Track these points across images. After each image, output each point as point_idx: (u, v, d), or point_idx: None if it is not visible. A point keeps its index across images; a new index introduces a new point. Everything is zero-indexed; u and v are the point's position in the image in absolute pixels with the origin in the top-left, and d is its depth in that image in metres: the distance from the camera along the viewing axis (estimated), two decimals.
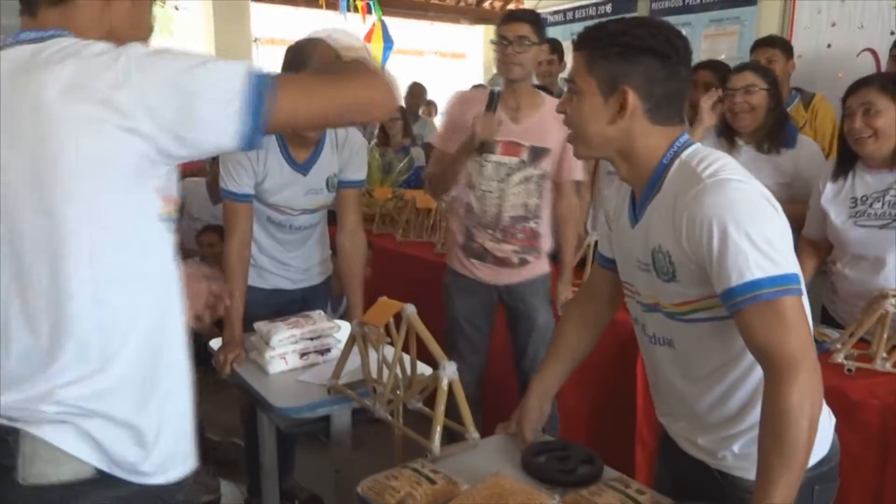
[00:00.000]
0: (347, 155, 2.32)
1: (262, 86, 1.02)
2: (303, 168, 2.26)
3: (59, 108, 0.97)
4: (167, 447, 1.13)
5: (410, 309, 1.63)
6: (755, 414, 1.18)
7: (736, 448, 1.28)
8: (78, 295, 1.02)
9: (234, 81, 1.01)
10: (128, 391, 1.08)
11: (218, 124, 1.02)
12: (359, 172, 2.36)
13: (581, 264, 2.88)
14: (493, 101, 2.30)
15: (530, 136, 2.43)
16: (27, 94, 0.98)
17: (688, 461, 1.37)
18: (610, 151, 1.27)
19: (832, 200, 2.25)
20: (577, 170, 2.55)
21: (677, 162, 1.23)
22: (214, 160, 4.38)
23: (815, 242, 2.38)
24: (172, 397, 1.14)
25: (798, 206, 2.38)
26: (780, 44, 3.24)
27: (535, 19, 2.40)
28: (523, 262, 2.51)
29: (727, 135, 2.66)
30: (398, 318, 1.69)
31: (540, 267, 2.57)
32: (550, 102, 2.46)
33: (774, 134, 2.58)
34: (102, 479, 1.06)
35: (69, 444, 1.04)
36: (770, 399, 1.10)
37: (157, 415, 1.11)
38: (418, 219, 3.79)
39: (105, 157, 0.99)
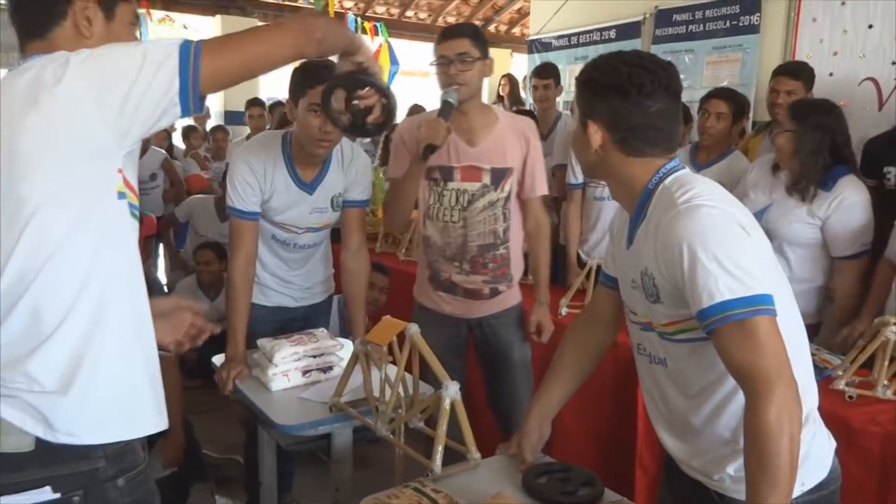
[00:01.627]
0: (353, 175, 2.34)
1: (187, 50, 1.13)
2: (309, 187, 2.28)
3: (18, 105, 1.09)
4: (99, 408, 1.17)
5: (414, 328, 1.64)
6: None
7: (731, 470, 1.29)
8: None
9: (167, 51, 1.12)
10: (64, 359, 1.14)
11: (157, 91, 1.12)
12: (364, 192, 2.38)
13: (583, 287, 2.90)
14: (444, 108, 2.12)
15: (489, 158, 2.24)
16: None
17: (689, 483, 1.38)
18: (599, 175, 1.39)
19: None
20: (542, 185, 2.34)
21: (660, 188, 1.28)
22: (224, 177, 4.44)
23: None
24: (106, 361, 1.17)
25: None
26: (805, 76, 3.10)
27: (474, 33, 2.20)
28: (494, 293, 2.33)
29: (776, 167, 2.57)
30: (401, 337, 1.70)
31: (512, 297, 2.39)
32: (504, 118, 2.32)
33: (804, 179, 2.42)
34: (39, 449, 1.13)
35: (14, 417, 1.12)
36: (749, 418, 1.13)
37: (89, 378, 1.15)
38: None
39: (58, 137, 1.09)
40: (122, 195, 1.18)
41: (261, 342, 2.09)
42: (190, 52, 1.13)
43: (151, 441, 2.59)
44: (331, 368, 2.08)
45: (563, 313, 2.83)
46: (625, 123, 1.27)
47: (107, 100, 1.10)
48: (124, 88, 1.10)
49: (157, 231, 4.69)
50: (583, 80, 1.32)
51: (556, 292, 3.08)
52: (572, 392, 1.63)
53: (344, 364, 2.05)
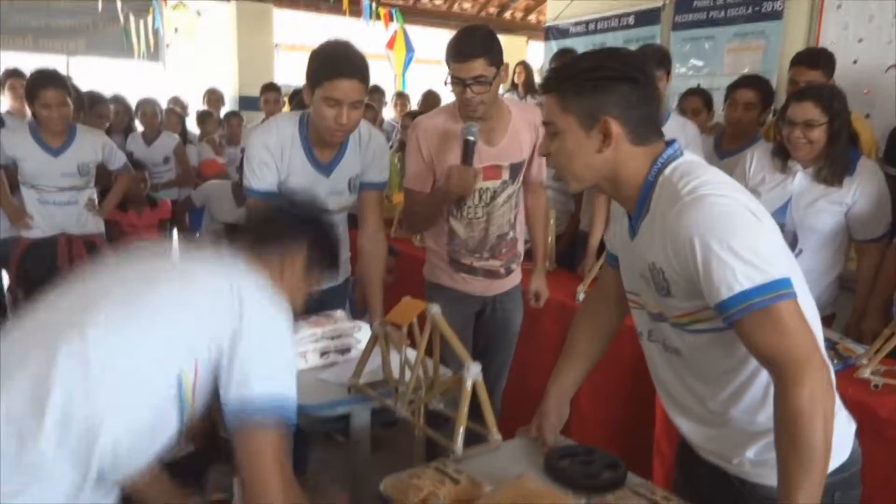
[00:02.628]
0: (370, 156, 2.32)
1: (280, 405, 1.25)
2: (326, 169, 2.26)
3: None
4: None
5: (435, 308, 1.62)
6: (764, 418, 1.19)
7: (751, 454, 1.27)
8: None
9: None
10: None
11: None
12: (381, 174, 2.36)
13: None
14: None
15: (508, 155, 2.33)
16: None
17: (706, 469, 1.36)
18: (598, 179, 1.29)
19: None
20: (544, 169, 2.51)
21: (661, 179, 1.24)
22: (241, 164, 4.43)
23: None
24: None
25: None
26: (823, 64, 2.98)
27: (486, 48, 2.15)
28: (508, 272, 2.50)
29: (782, 156, 2.50)
30: (421, 318, 1.68)
31: (519, 274, 2.57)
32: (515, 111, 2.37)
33: (833, 165, 2.39)
34: None
35: None
36: (781, 403, 1.11)
37: None
38: None
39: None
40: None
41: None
42: (282, 411, 1.25)
43: None
44: (349, 350, 2.07)
45: (580, 298, 2.81)
46: (638, 112, 1.24)
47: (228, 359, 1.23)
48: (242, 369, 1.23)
49: (171, 215, 4.69)
50: (583, 82, 1.24)
51: (573, 279, 3.08)
52: (588, 371, 1.61)
53: (362, 346, 2.04)
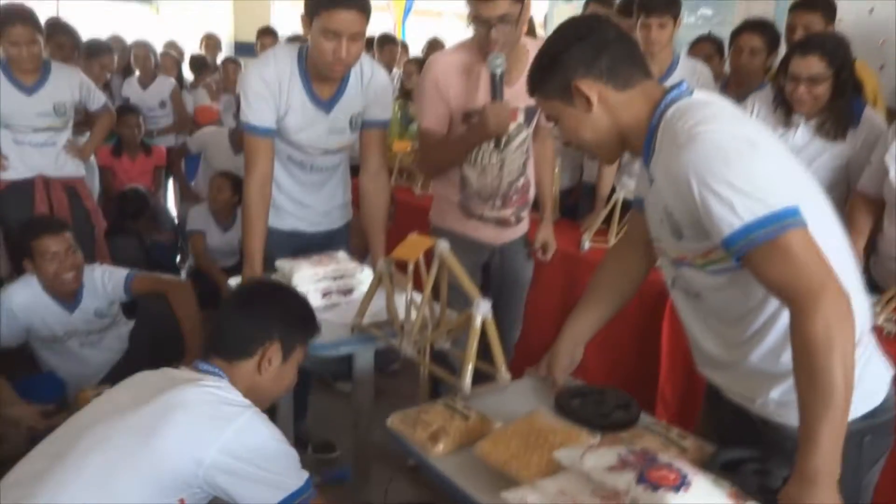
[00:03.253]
0: (373, 93, 2.23)
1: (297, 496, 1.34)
2: (326, 105, 2.18)
3: (178, 410, 1.30)
4: None
5: (443, 244, 1.57)
6: (788, 358, 1.14)
7: (775, 394, 1.24)
8: None
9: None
10: None
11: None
12: (384, 112, 2.28)
13: (608, 220, 2.82)
14: (496, 87, 2.07)
15: (524, 97, 2.08)
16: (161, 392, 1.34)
17: (731, 412, 1.33)
18: (617, 140, 1.29)
19: None
20: None
21: (663, 123, 1.22)
22: (238, 111, 4.32)
23: (870, 199, 2.25)
24: None
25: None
26: (822, 6, 2.94)
27: None
28: (519, 220, 2.42)
29: (784, 108, 2.41)
30: (427, 256, 1.63)
31: (527, 223, 2.49)
32: (533, 49, 2.17)
33: (837, 118, 2.32)
34: None
35: None
36: (795, 336, 1.07)
37: None
38: None
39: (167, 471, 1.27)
40: None
41: (279, 263, 2.03)
42: (300, 496, 1.35)
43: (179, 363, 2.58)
44: (351, 292, 2.02)
45: (586, 247, 2.76)
46: (601, 60, 1.24)
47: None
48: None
49: (166, 162, 4.59)
50: (542, 66, 1.30)
51: (576, 229, 3.02)
52: (607, 318, 1.57)
53: (364, 288, 1.99)
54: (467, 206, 2.32)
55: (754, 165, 1.10)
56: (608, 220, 2.83)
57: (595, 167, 3.25)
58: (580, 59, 1.24)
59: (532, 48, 2.23)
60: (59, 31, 3.76)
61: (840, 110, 2.31)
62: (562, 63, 1.25)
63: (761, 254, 1.08)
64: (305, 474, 1.38)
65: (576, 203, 3.48)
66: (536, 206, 2.60)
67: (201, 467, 1.27)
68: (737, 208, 1.07)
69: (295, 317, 1.52)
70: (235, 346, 1.45)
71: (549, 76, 1.28)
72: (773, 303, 1.19)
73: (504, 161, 2.24)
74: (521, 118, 2.24)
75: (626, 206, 2.80)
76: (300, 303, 1.57)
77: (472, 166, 2.25)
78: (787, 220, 1.07)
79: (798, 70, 2.28)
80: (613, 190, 3.00)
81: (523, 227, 2.45)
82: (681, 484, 0.92)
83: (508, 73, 2.12)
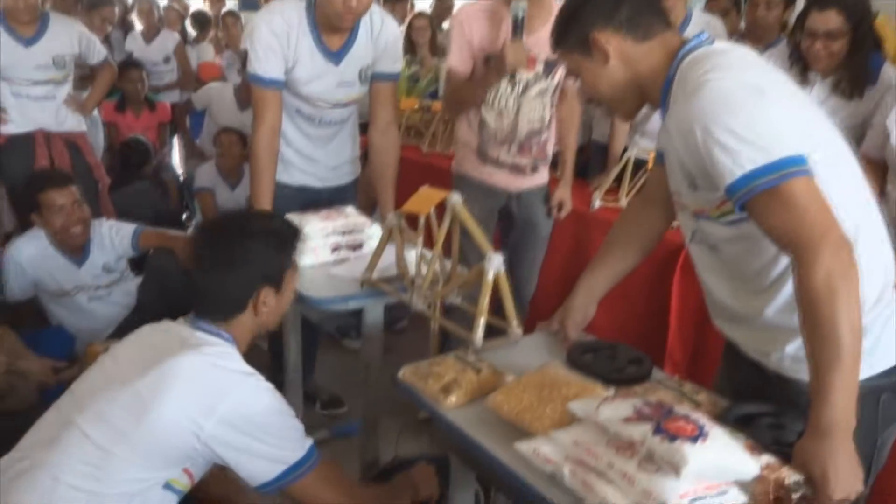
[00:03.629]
0: (383, 45, 2.19)
1: (302, 464, 1.34)
2: (336, 57, 2.14)
3: (173, 381, 1.27)
4: None
5: (456, 198, 1.55)
6: None
7: (790, 349, 1.23)
8: None
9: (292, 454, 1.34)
10: None
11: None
12: (394, 64, 2.24)
13: (618, 178, 2.79)
14: (518, 26, 2.15)
15: (543, 47, 2.18)
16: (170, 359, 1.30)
17: (747, 367, 1.32)
18: (635, 94, 1.28)
19: None
20: None
21: (678, 73, 1.21)
22: (244, 66, 4.26)
23: (873, 162, 2.21)
24: None
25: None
26: None
27: None
28: (535, 170, 2.48)
29: (800, 65, 2.34)
30: (439, 210, 1.61)
31: (546, 173, 2.56)
32: (558, 5, 2.32)
33: (854, 76, 2.25)
34: None
35: None
36: (799, 287, 1.06)
37: None
38: (445, 130, 3.66)
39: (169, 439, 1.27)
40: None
41: (288, 217, 2.00)
42: (300, 468, 1.34)
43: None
44: (360, 247, 2.00)
45: (596, 206, 2.74)
46: (620, 9, 1.22)
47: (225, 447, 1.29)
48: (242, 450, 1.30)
49: (171, 118, 4.55)
50: (564, 18, 1.29)
51: (587, 188, 2.99)
52: (622, 274, 1.55)
53: (373, 244, 1.97)
54: (484, 150, 2.39)
55: (759, 113, 1.08)
56: (619, 179, 2.80)
57: (606, 126, 3.21)
58: (599, 11, 1.23)
59: (557, 2, 2.29)
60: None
61: (856, 67, 2.25)
62: (581, 15, 1.24)
63: (762, 202, 1.07)
64: (308, 442, 1.36)
65: (586, 162, 3.44)
66: (556, 165, 2.62)
67: (199, 440, 1.26)
68: (738, 157, 1.06)
69: (270, 249, 1.43)
70: (224, 306, 1.40)
71: (569, 28, 1.27)
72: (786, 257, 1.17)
73: (521, 106, 2.31)
74: (539, 68, 2.29)
75: (638, 165, 2.78)
76: (267, 230, 1.45)
77: (489, 108, 2.33)
78: (789, 168, 1.05)
79: (815, 25, 2.22)
80: (625, 149, 2.97)
81: (540, 179, 2.49)
82: (698, 435, 0.92)
83: (531, 20, 2.18)
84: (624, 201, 2.74)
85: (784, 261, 1.18)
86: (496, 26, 2.24)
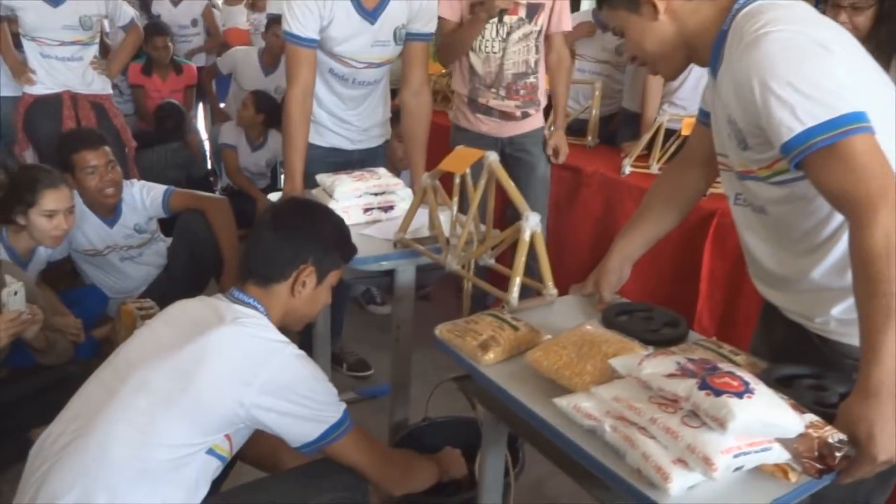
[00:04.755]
0: (418, 5, 2.16)
1: (339, 426, 1.39)
2: (371, 15, 2.11)
3: (214, 353, 1.30)
4: None
5: (493, 156, 1.54)
6: (851, 276, 1.10)
7: (836, 312, 1.21)
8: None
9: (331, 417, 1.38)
10: None
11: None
12: (428, 25, 2.22)
13: (650, 145, 2.76)
14: None
15: None
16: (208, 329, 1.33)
17: (787, 328, 1.30)
18: (682, 52, 1.26)
19: None
20: (566, 22, 2.62)
21: (733, 27, 1.17)
22: (268, 29, 4.23)
23: None
24: None
25: None
26: None
27: None
28: (525, 115, 2.61)
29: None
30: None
31: (539, 119, 2.69)
32: None
33: (879, 47, 2.11)
34: None
35: None
36: (854, 247, 1.04)
37: None
38: None
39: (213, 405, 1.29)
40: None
41: (320, 177, 2.01)
42: (339, 428, 1.38)
43: (217, 277, 2.59)
44: (391, 208, 2.00)
45: (626, 172, 2.71)
46: None
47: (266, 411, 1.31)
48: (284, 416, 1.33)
49: (197, 81, 4.54)
50: None
51: (616, 154, 2.96)
52: (659, 236, 1.54)
53: (405, 206, 1.97)
54: (474, 97, 2.58)
55: (821, 67, 1.04)
56: (649, 146, 2.77)
57: (636, 94, 3.17)
58: None
59: None
60: None
61: (883, 38, 2.16)
62: None
63: (820, 159, 1.04)
64: (343, 406, 1.39)
65: (615, 129, 3.40)
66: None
67: (243, 407, 1.28)
68: (798, 112, 1.03)
69: (330, 239, 1.50)
70: (269, 268, 1.43)
71: None
72: (839, 217, 1.15)
73: (505, 50, 2.51)
74: (522, 13, 2.49)
75: (669, 133, 2.75)
76: (336, 225, 1.53)
77: (476, 54, 2.53)
78: (850, 124, 1.02)
79: None
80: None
81: (531, 124, 2.64)
82: (744, 391, 0.91)
83: None
84: (655, 167, 2.72)
85: (835, 221, 1.15)
86: None
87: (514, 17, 2.47)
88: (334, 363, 2.58)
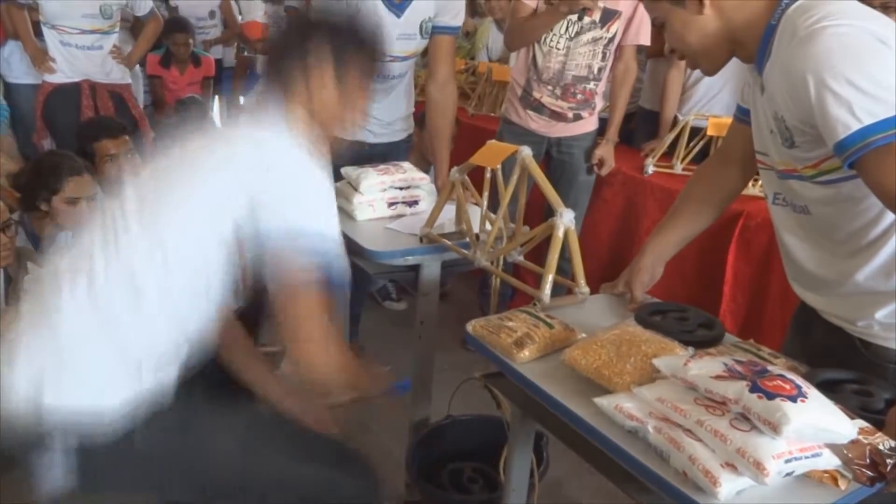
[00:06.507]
0: None
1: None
2: (398, 7, 2.10)
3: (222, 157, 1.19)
4: None
5: (527, 151, 1.51)
6: None
7: (880, 315, 1.18)
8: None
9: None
10: None
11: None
12: (456, 18, 2.20)
13: (673, 146, 2.73)
14: None
15: None
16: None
17: (827, 331, 1.28)
18: (726, 47, 1.22)
19: None
20: (645, 35, 2.54)
21: (783, 20, 1.14)
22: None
23: None
24: None
25: None
26: None
27: None
28: (577, 117, 2.58)
29: None
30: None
31: (591, 123, 2.65)
32: None
33: None
34: None
35: None
36: None
37: None
38: (492, 92, 3.61)
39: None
40: None
41: (345, 170, 1.98)
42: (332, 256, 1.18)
43: None
44: (416, 202, 1.98)
45: (650, 172, 2.68)
46: None
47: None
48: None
49: (214, 73, 4.53)
50: None
51: (636, 153, 2.93)
52: (694, 235, 1.51)
53: (429, 200, 1.95)
54: (529, 90, 2.55)
55: (880, 64, 1.01)
56: (671, 146, 2.75)
57: (655, 92, 3.14)
58: None
59: None
60: None
61: None
62: None
63: (877, 159, 1.00)
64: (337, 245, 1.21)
65: (632, 128, 3.38)
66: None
67: (247, 195, 1.15)
68: (855, 109, 1.00)
69: (342, 30, 1.33)
70: (282, 74, 1.29)
71: None
72: (889, 217, 1.12)
73: (570, 50, 2.46)
74: (595, 16, 2.44)
75: (693, 132, 2.72)
76: (349, 20, 1.38)
77: (540, 47, 2.49)
78: None
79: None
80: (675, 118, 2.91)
81: (581, 128, 2.60)
82: (798, 394, 0.89)
83: None
84: (678, 167, 2.69)
85: (884, 223, 1.13)
86: None
87: (587, 20, 2.43)
88: None
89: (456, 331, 1.40)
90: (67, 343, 1.15)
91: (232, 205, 1.16)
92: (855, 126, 1.00)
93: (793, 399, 0.88)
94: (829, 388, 1.12)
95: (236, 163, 1.18)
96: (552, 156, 2.62)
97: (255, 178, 1.16)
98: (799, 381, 0.93)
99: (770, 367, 0.97)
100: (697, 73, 2.90)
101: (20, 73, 3.38)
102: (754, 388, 0.90)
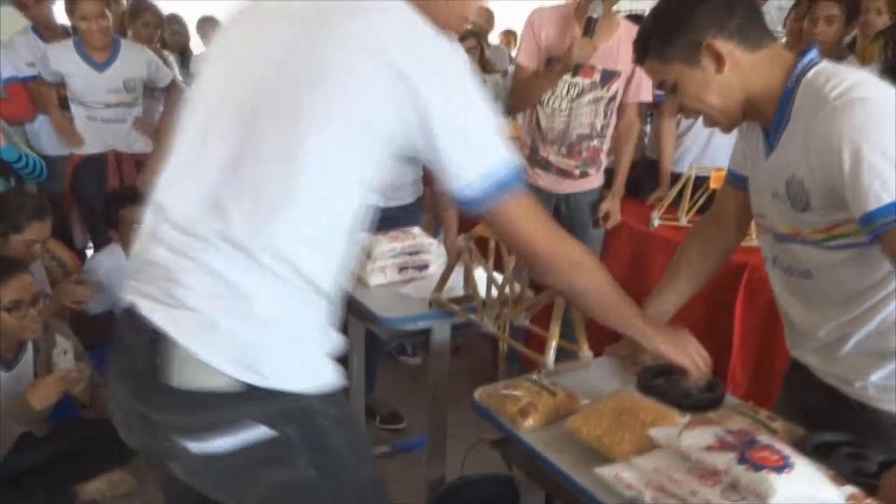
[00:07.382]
0: None
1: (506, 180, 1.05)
2: None
3: (358, 42, 0.98)
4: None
5: None
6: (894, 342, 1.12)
7: (875, 378, 1.22)
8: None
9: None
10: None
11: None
12: None
13: (678, 198, 2.79)
14: (590, 26, 2.35)
15: (602, 59, 2.47)
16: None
17: (821, 392, 1.31)
18: (743, 108, 1.23)
19: None
20: (646, 91, 2.59)
21: (802, 86, 1.17)
22: None
23: None
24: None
25: None
26: None
27: None
28: (583, 175, 2.66)
29: (893, 74, 2.27)
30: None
31: (598, 179, 2.73)
32: (625, 26, 2.52)
33: (890, 74, 2.19)
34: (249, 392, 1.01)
35: (217, 362, 0.99)
36: None
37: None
38: None
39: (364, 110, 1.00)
40: None
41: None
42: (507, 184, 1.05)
43: None
44: (426, 267, 2.05)
45: (655, 224, 2.74)
46: (732, 19, 1.18)
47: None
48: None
49: None
50: (665, 27, 1.22)
51: (642, 205, 2.98)
52: (690, 295, 1.56)
53: (440, 264, 2.02)
54: (536, 149, 2.62)
55: None
56: (677, 197, 2.80)
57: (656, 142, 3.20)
58: (712, 18, 1.17)
59: (625, 25, 2.52)
60: (144, 10, 3.88)
61: (891, 64, 2.19)
62: (692, 22, 1.18)
63: None
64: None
65: (638, 178, 3.43)
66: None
67: (398, 77, 0.97)
68: (888, 182, 1.02)
69: None
70: None
71: (674, 37, 1.19)
72: (890, 284, 1.16)
73: (572, 110, 2.54)
74: (595, 77, 2.52)
75: (697, 183, 2.77)
76: None
77: (543, 108, 2.57)
78: None
79: None
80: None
81: (588, 184, 2.68)
82: (784, 465, 0.93)
83: (599, 27, 2.37)
84: (684, 219, 2.74)
85: (887, 287, 1.16)
86: (564, 30, 2.47)
87: (587, 80, 2.50)
88: (367, 416, 2.61)
89: (470, 384, 1.45)
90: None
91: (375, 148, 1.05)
92: (886, 200, 1.02)
93: (779, 470, 0.92)
94: (824, 452, 1.16)
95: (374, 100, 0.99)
96: (561, 211, 2.68)
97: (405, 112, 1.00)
98: (787, 451, 0.97)
99: (759, 437, 1.01)
100: (687, 121, 2.98)
101: (49, 146, 3.54)
102: (742, 460, 0.94)
